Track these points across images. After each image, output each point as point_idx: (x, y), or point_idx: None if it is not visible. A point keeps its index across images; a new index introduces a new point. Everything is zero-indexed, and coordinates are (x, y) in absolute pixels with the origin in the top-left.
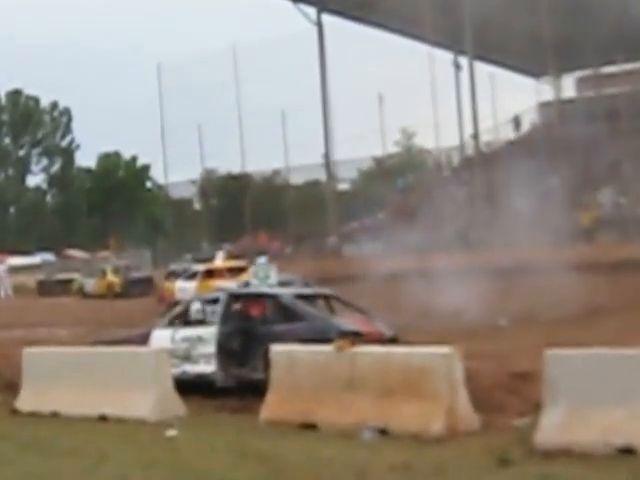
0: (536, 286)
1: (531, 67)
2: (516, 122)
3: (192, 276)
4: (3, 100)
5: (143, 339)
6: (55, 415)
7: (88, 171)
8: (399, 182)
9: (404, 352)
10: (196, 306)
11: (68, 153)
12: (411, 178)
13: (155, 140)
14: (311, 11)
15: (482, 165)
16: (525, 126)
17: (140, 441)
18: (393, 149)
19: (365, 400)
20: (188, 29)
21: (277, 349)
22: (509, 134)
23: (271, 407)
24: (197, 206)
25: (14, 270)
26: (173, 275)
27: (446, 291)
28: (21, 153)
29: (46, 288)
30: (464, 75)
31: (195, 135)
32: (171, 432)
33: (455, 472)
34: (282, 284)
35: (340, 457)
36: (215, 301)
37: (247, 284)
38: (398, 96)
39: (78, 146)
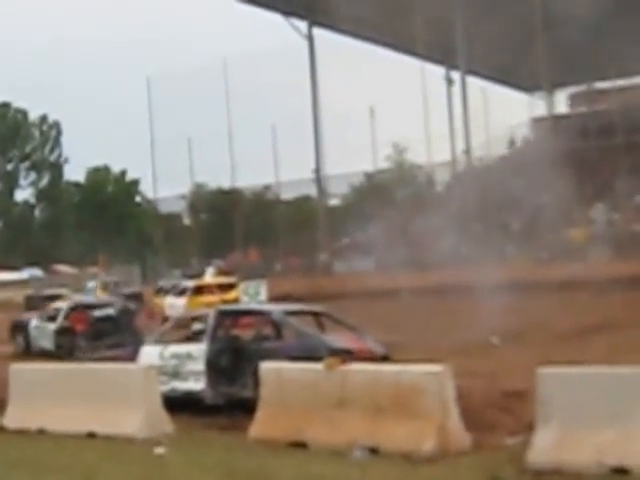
0: (528, 303)
1: (524, 82)
2: (511, 142)
3: (182, 292)
4: None
5: (132, 356)
6: (42, 432)
7: (77, 185)
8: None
9: (395, 370)
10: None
11: (57, 167)
12: (403, 194)
13: (144, 154)
14: (302, 25)
15: (474, 180)
16: (517, 141)
17: (128, 459)
18: (384, 164)
19: (355, 418)
20: (178, 42)
21: (267, 366)
22: (501, 149)
23: (260, 425)
24: (187, 221)
25: (1, 285)
26: (162, 291)
27: (438, 308)
28: (9, 167)
29: (34, 304)
30: (456, 90)
31: (185, 149)
32: (159, 450)
33: None
34: (102, 306)
35: (330, 476)
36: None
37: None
38: (389, 110)
39: (67, 160)
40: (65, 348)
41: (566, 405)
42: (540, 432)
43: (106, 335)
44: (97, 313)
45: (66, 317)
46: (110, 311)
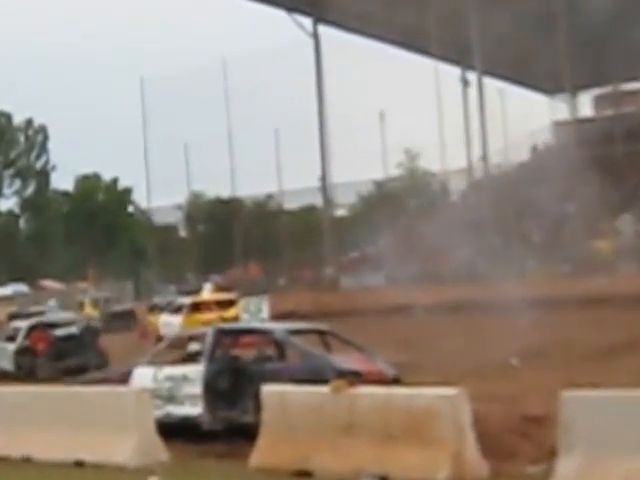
0: (550, 321)
1: (545, 83)
2: (531, 148)
3: (177, 310)
4: None
5: (124, 378)
6: (27, 460)
7: (65, 194)
8: None
9: (407, 393)
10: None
11: (43, 175)
12: (415, 203)
13: (138, 161)
14: (307, 22)
15: (492, 189)
16: (538, 147)
17: None
18: (395, 171)
19: (364, 445)
20: (174, 41)
21: (269, 390)
22: (521, 155)
23: (262, 453)
24: (183, 233)
25: None
26: (157, 308)
27: (453, 326)
28: None
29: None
30: (472, 91)
31: (181, 155)
32: (153, 479)
33: None
34: (63, 324)
35: None
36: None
37: None
38: (401, 114)
39: (54, 167)
40: (25, 369)
41: (591, 431)
42: (563, 460)
43: (68, 355)
44: (59, 332)
45: (26, 336)
46: (72, 330)
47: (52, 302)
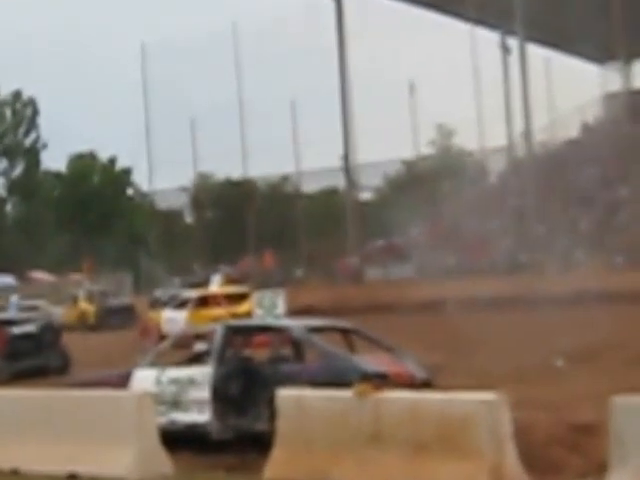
0: (600, 318)
1: (595, 51)
2: (580, 123)
3: (182, 304)
4: None
5: (123, 381)
6: (15, 473)
7: (57, 175)
8: None
9: (439, 399)
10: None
11: (33, 153)
12: (449, 186)
13: (138, 138)
14: None
15: (536, 170)
16: (588, 122)
17: None
18: (427, 150)
19: (392, 457)
20: (179, 6)
21: (285, 394)
22: (568, 132)
23: (277, 465)
24: (188, 219)
25: None
26: (159, 303)
27: (490, 324)
28: None
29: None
30: (513, 60)
31: (187, 132)
32: None
33: None
34: (22, 322)
35: None
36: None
37: None
38: (433, 85)
39: (45, 145)
40: None
41: None
42: (614, 474)
43: (27, 355)
44: (16, 330)
45: None
46: (31, 328)
47: (14, 298)
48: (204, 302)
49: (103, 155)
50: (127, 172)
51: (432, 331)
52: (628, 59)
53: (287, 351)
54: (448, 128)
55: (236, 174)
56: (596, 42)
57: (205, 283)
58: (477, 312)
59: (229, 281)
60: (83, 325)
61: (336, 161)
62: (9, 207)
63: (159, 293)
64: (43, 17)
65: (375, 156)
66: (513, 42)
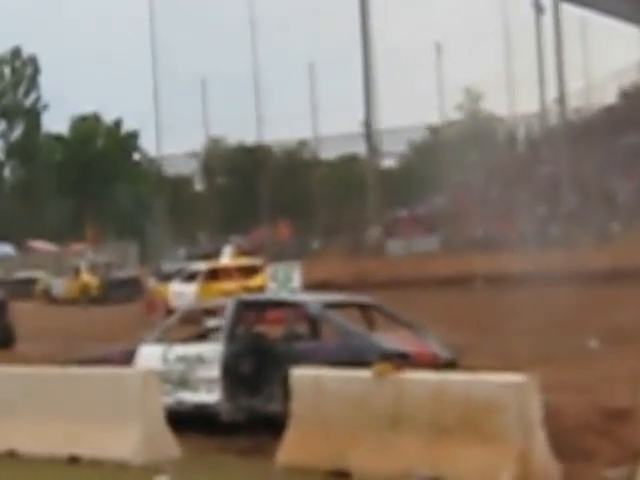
0: (637, 296)
1: (635, 12)
2: (618, 89)
3: (191, 277)
4: None
5: (127, 358)
6: (12, 455)
7: (58, 139)
8: None
9: (464, 380)
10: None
11: (33, 115)
12: (477, 153)
13: (145, 100)
14: None
15: (569, 138)
16: (626, 88)
17: None
18: (454, 115)
19: (413, 442)
20: None
21: (300, 374)
22: (605, 98)
23: (291, 448)
24: (198, 186)
25: None
26: (167, 275)
27: (520, 301)
28: None
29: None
30: (547, 20)
31: (197, 94)
32: (161, 479)
33: None
34: None
35: None
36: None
37: None
38: (461, 46)
39: (46, 106)
40: None
41: None
42: None
43: None
44: None
45: None
46: None
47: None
48: (214, 275)
49: (108, 117)
50: (133, 135)
51: (457, 308)
52: None
53: (302, 328)
54: (476, 92)
55: (250, 139)
56: (636, 1)
57: (216, 255)
58: (505, 288)
59: (241, 253)
60: (86, 298)
61: (356, 126)
62: (7, 171)
63: (167, 265)
64: None
65: (398, 121)
66: (547, 1)
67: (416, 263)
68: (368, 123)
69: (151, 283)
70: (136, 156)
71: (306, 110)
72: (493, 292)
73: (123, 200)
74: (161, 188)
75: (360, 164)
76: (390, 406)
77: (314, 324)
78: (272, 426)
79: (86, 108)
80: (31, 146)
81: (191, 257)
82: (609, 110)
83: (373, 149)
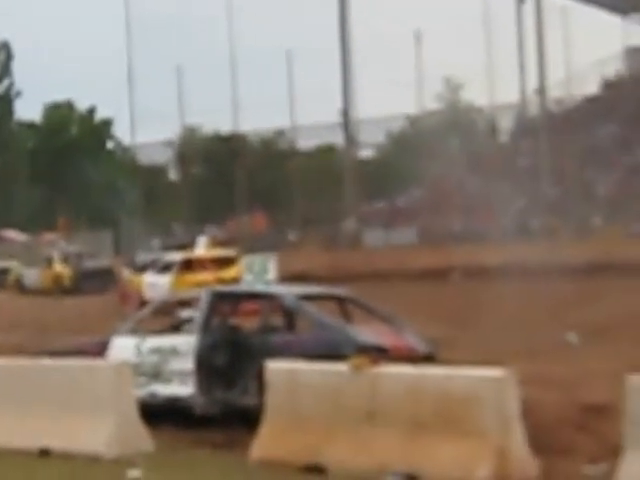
0: (618, 290)
1: (617, 1)
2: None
3: (166, 268)
4: None
5: (100, 349)
6: None
7: (31, 126)
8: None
9: (442, 374)
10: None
11: (5, 102)
12: (456, 144)
13: (120, 87)
14: None
15: (550, 129)
16: (608, 78)
17: None
18: (433, 105)
19: (389, 436)
20: None
21: (275, 367)
22: (587, 88)
23: (266, 443)
24: (173, 175)
25: None
26: (140, 266)
27: (499, 294)
28: None
29: None
30: (528, 9)
31: (173, 82)
32: (134, 473)
33: None
34: None
35: None
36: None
37: None
38: (441, 36)
39: (19, 93)
40: None
41: None
42: (628, 458)
43: None
44: None
45: None
46: None
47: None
48: (189, 266)
49: (81, 105)
50: (107, 123)
51: (435, 301)
52: None
53: (278, 320)
54: (456, 82)
55: (226, 128)
56: None
57: (191, 245)
58: (484, 282)
59: (216, 244)
60: (58, 289)
61: (334, 116)
62: None
63: (141, 255)
64: None
65: (377, 111)
66: None
67: (394, 255)
68: (346, 113)
69: (126, 274)
70: (110, 144)
71: (283, 99)
72: (471, 285)
73: (97, 189)
74: (135, 177)
75: (338, 154)
76: (366, 400)
77: (289, 316)
78: (246, 420)
79: (59, 95)
80: (3, 134)
81: (166, 247)
82: (590, 100)
83: (351, 139)
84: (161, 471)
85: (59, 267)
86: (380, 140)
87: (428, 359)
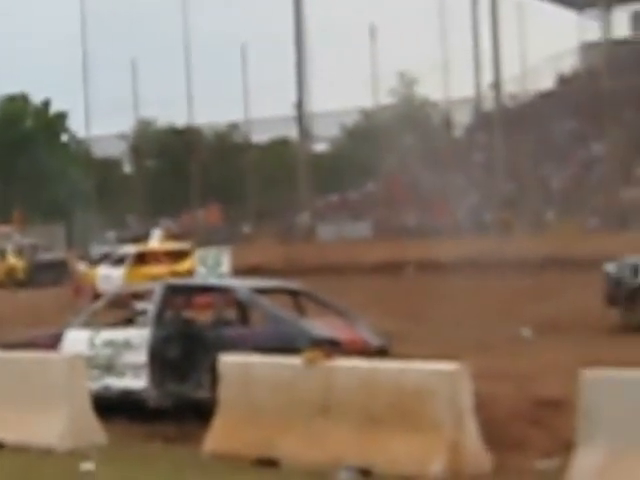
0: (572, 284)
1: None
2: (555, 74)
3: (119, 261)
4: None
5: (53, 342)
6: None
7: None
8: None
9: (395, 368)
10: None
11: None
12: (411, 139)
13: (74, 80)
14: None
15: (505, 124)
16: (563, 73)
17: (45, 477)
18: (387, 100)
19: (343, 430)
20: None
21: (228, 360)
22: (542, 83)
23: (219, 436)
24: (127, 168)
25: None
26: (95, 259)
27: (452, 289)
28: None
29: None
30: (483, 3)
31: (127, 75)
32: (87, 466)
33: None
34: None
35: None
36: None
37: None
38: (395, 30)
39: None
40: None
41: (616, 418)
42: (581, 453)
43: None
44: None
45: None
46: None
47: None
48: (142, 259)
49: (36, 98)
50: (62, 116)
51: (389, 295)
52: (608, 6)
53: (231, 314)
54: (410, 76)
55: (180, 121)
56: None
57: (145, 238)
58: (438, 276)
59: (170, 237)
60: (12, 281)
61: (289, 109)
62: None
63: (94, 248)
64: None
65: (331, 105)
66: None
67: (347, 249)
68: (300, 106)
69: (82, 267)
70: (64, 137)
71: (237, 92)
72: (425, 279)
73: (51, 182)
74: (90, 170)
75: (292, 148)
76: (320, 394)
77: (243, 310)
78: (200, 413)
79: (13, 88)
80: None
81: (121, 240)
82: (545, 96)
83: (305, 133)
84: (114, 464)
85: (13, 260)
86: (334, 134)
87: (381, 353)
